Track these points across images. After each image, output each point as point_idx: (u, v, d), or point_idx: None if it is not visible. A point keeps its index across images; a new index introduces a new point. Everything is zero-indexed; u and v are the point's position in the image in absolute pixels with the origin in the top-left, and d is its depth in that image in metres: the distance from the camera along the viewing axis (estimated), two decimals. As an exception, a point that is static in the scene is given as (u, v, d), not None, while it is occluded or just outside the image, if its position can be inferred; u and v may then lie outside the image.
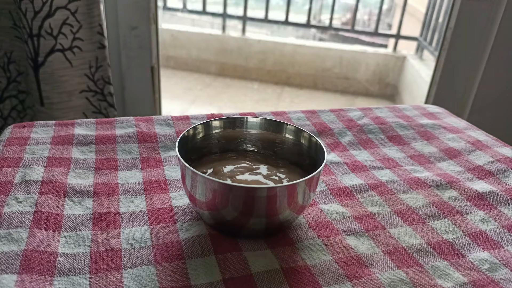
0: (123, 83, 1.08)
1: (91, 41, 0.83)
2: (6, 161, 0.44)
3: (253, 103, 1.95)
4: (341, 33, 2.40)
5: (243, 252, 0.35)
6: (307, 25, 2.39)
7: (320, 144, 0.39)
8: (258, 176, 0.39)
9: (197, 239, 0.36)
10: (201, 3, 2.34)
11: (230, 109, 1.88)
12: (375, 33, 2.28)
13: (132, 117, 0.55)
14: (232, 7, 2.40)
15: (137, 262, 0.34)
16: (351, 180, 0.47)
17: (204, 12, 2.39)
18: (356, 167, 0.49)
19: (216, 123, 0.43)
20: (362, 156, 0.52)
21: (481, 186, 0.47)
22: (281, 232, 0.38)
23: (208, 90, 2.10)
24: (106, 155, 0.47)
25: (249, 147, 0.45)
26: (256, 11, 2.41)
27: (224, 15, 2.34)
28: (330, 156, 0.51)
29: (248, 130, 0.44)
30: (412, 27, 2.27)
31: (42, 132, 0.50)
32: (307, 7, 2.28)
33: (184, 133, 0.39)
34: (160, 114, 1.14)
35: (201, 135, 0.42)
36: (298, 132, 0.43)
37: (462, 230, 0.40)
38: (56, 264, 0.33)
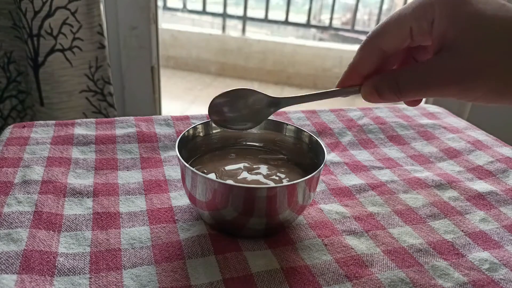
0: (123, 83, 1.08)
1: (91, 41, 0.83)
2: (6, 161, 0.44)
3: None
4: (341, 33, 2.40)
5: (243, 252, 0.35)
6: (307, 25, 2.39)
7: (320, 144, 0.39)
8: (258, 176, 0.39)
9: (197, 239, 0.36)
10: (201, 3, 2.34)
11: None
12: (375, 33, 2.27)
13: (132, 117, 0.55)
14: (232, 7, 2.40)
15: (137, 262, 0.34)
16: (351, 180, 0.47)
17: (204, 12, 2.39)
18: (356, 167, 0.49)
19: (216, 123, 0.43)
20: (362, 156, 0.52)
21: (481, 186, 0.47)
22: (281, 232, 0.38)
23: (208, 90, 2.10)
24: (106, 155, 0.47)
25: (249, 146, 0.45)
26: (256, 11, 2.41)
27: (224, 15, 2.34)
28: (330, 156, 0.51)
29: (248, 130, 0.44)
30: (412, 27, 2.26)
31: (42, 132, 0.50)
32: (307, 7, 2.28)
33: (184, 133, 0.39)
34: (160, 114, 1.14)
35: (201, 135, 0.42)
36: (298, 132, 0.43)
37: (462, 230, 0.40)
38: (56, 264, 0.33)
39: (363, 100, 0.35)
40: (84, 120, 0.53)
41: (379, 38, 0.33)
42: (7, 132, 0.49)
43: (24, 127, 0.50)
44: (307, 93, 0.36)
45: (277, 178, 0.39)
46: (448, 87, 0.30)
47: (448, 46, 0.29)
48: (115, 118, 0.54)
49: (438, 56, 0.30)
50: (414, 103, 0.37)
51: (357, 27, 2.33)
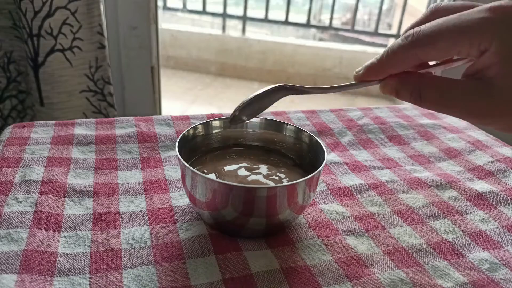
0: (123, 83, 1.08)
1: (91, 41, 0.83)
2: (6, 161, 0.44)
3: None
4: (341, 33, 2.40)
5: (243, 252, 0.35)
6: (307, 25, 2.38)
7: (320, 144, 0.39)
8: (258, 176, 0.39)
9: (197, 239, 0.36)
10: (201, 3, 2.34)
11: (230, 109, 1.87)
12: (375, 33, 2.28)
13: (132, 117, 0.55)
14: (232, 7, 2.40)
15: (137, 262, 0.34)
16: (351, 180, 0.47)
17: (204, 12, 2.39)
18: (356, 167, 0.49)
19: (216, 123, 0.43)
20: (362, 156, 0.52)
21: (481, 186, 0.47)
22: (281, 232, 0.38)
23: (208, 90, 2.10)
24: (106, 155, 0.47)
25: (249, 146, 0.45)
26: (256, 11, 2.41)
27: (224, 15, 2.34)
28: (330, 156, 0.51)
29: (248, 130, 0.44)
30: (412, 27, 2.26)
31: (42, 132, 0.50)
32: (307, 7, 2.28)
33: (184, 133, 0.39)
34: (160, 114, 1.14)
35: (201, 135, 0.42)
36: (298, 132, 0.43)
37: (462, 230, 0.40)
38: (56, 264, 0.33)
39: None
40: (84, 120, 0.53)
41: (421, 48, 0.30)
42: (7, 132, 0.49)
43: (24, 127, 0.50)
44: (327, 86, 0.35)
45: (277, 178, 0.39)
46: (471, 115, 0.29)
47: (487, 78, 0.28)
48: (115, 118, 0.54)
49: (471, 83, 0.29)
50: None
51: (357, 27, 2.33)
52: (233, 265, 0.34)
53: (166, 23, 2.46)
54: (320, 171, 0.35)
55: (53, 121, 0.52)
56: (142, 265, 0.33)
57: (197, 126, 0.42)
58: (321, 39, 2.48)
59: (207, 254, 0.35)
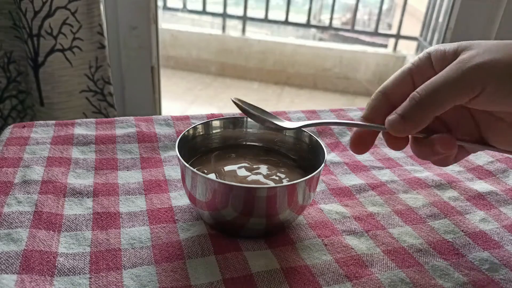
0: (123, 83, 1.08)
1: (91, 41, 0.83)
2: (6, 161, 0.44)
3: (253, 103, 1.95)
4: (341, 33, 2.40)
5: (243, 252, 0.35)
6: (307, 25, 2.39)
7: (320, 144, 0.39)
8: (258, 176, 0.39)
9: (197, 239, 0.36)
10: (201, 3, 2.34)
11: (230, 109, 1.87)
12: (375, 33, 2.28)
13: (132, 117, 0.55)
14: (232, 7, 2.41)
15: (137, 262, 0.34)
16: (351, 180, 0.47)
17: (204, 12, 2.39)
18: (356, 167, 0.49)
19: (216, 123, 0.43)
20: (362, 156, 0.52)
21: (481, 186, 0.47)
22: (281, 232, 0.38)
23: (208, 90, 2.10)
24: (106, 155, 0.47)
25: (249, 146, 0.45)
26: (256, 11, 2.41)
27: (224, 15, 2.34)
28: (330, 156, 0.51)
29: (248, 130, 0.44)
30: (412, 27, 2.27)
31: (42, 132, 0.50)
32: (307, 7, 2.28)
33: (184, 133, 0.39)
34: (160, 114, 1.14)
35: (201, 135, 0.42)
36: (298, 132, 0.42)
37: (462, 230, 0.40)
38: (56, 264, 0.33)
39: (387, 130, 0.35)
40: (84, 120, 0.53)
41: (386, 89, 0.35)
42: (7, 132, 0.49)
43: (24, 127, 0.50)
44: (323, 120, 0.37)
45: (277, 178, 0.39)
46: (460, 80, 0.31)
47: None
48: (115, 118, 0.54)
49: (451, 65, 0.32)
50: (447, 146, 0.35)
51: (357, 27, 2.33)
52: (233, 265, 0.34)
53: (166, 23, 2.46)
54: (320, 171, 0.35)
55: (53, 121, 0.52)
56: (142, 265, 0.33)
57: (197, 126, 0.42)
58: (321, 39, 2.48)
59: (207, 254, 0.35)
